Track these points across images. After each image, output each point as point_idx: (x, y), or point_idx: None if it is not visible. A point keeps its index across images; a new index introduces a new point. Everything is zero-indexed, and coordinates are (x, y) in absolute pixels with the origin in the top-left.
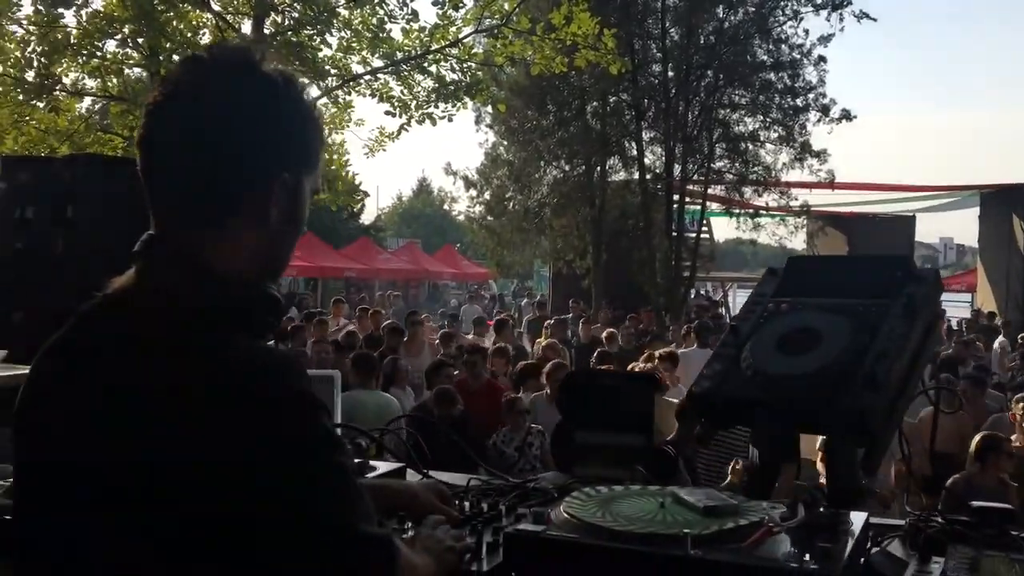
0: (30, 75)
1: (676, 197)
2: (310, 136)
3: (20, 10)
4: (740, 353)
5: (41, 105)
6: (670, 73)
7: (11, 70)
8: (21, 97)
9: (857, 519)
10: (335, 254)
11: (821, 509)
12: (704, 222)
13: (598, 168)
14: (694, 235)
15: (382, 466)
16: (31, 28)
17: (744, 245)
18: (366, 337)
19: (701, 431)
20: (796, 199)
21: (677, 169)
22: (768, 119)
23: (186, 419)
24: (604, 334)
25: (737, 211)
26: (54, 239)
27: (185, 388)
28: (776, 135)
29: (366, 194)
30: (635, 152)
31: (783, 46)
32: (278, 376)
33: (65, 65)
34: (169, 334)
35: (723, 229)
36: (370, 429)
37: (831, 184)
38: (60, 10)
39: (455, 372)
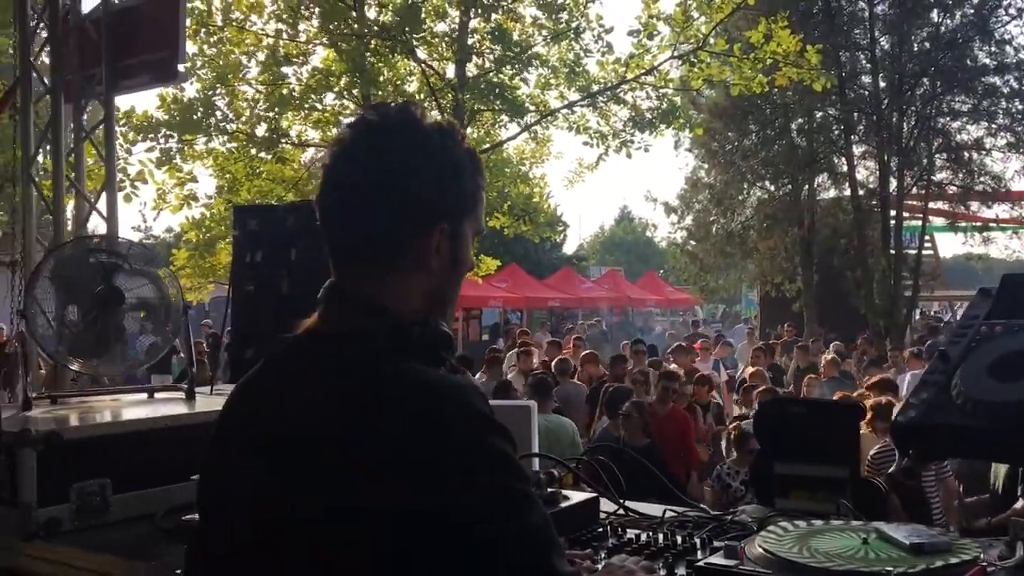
0: (260, 130)
1: (893, 213)
2: (468, 183)
3: (249, 71)
4: (950, 380)
5: (270, 157)
6: (881, 84)
7: (243, 127)
8: (253, 151)
9: None
10: (539, 284)
11: None
12: (926, 238)
13: (806, 187)
14: (914, 252)
15: (575, 496)
16: (260, 88)
17: (975, 261)
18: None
19: (910, 463)
20: None
21: (893, 184)
22: (994, 125)
23: (371, 456)
24: (827, 359)
25: (963, 225)
26: (279, 280)
27: (367, 423)
28: (1004, 142)
29: (567, 225)
30: (845, 168)
31: (1007, 47)
32: (462, 406)
33: (290, 119)
34: (351, 371)
35: (949, 245)
36: (566, 458)
37: None
38: (284, 69)
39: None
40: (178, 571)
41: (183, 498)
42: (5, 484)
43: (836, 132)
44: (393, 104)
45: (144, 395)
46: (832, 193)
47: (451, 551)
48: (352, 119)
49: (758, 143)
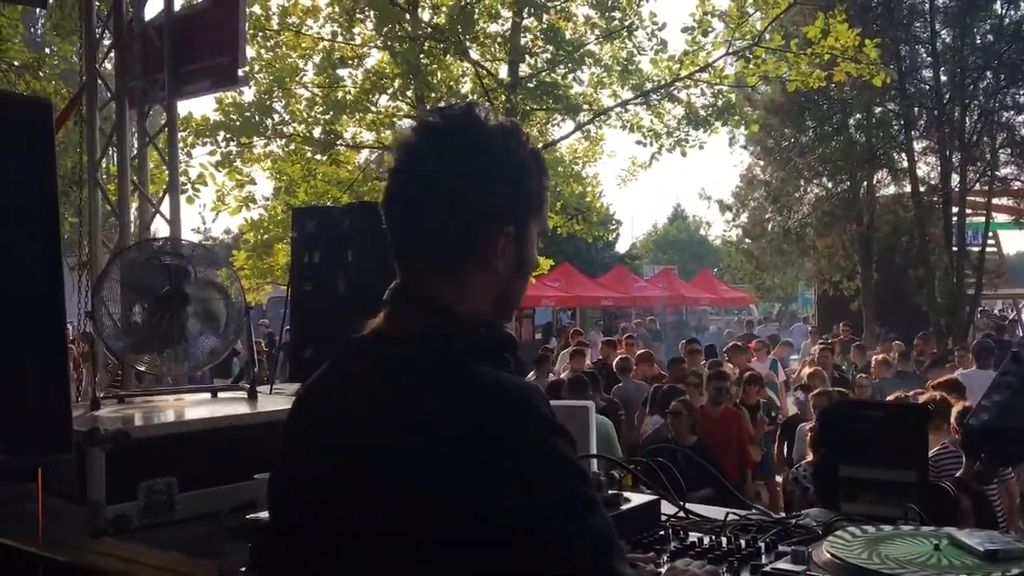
0: (316, 132)
1: (955, 209)
2: (532, 184)
3: (305, 75)
4: (1023, 383)
5: (325, 159)
6: (942, 77)
7: (300, 129)
8: (309, 153)
9: None
10: (591, 283)
11: None
12: (990, 234)
13: (864, 183)
14: (978, 249)
15: (636, 498)
16: (316, 91)
17: None
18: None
19: (981, 468)
20: None
21: (955, 179)
22: None
23: (432, 459)
24: (881, 358)
25: None
26: (336, 281)
27: (433, 424)
28: None
29: (620, 223)
30: (906, 164)
31: None
32: (527, 407)
33: (345, 121)
34: (415, 374)
35: (1013, 241)
36: (626, 460)
37: None
38: (339, 71)
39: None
40: (243, 569)
41: (247, 496)
42: (75, 482)
43: (896, 127)
44: (457, 106)
45: (207, 395)
46: (892, 190)
47: (512, 555)
48: (416, 121)
49: (815, 139)
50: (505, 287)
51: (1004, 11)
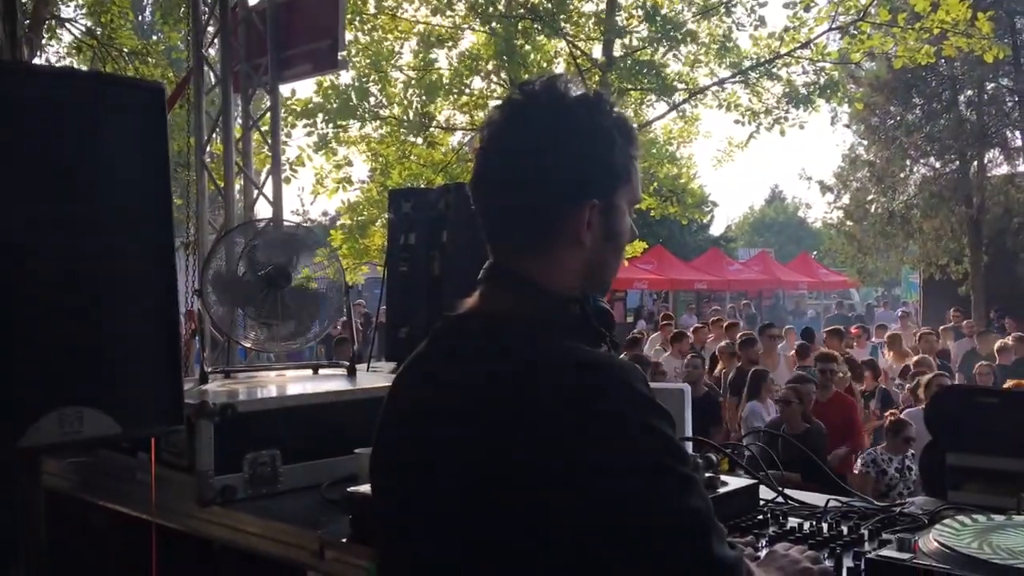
0: (411, 115)
1: None
2: (619, 154)
3: (401, 58)
4: None
5: (420, 141)
6: None
7: (396, 111)
8: (404, 135)
9: None
10: (685, 266)
11: None
12: None
13: (975, 163)
14: None
15: (733, 481)
16: (411, 73)
17: None
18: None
19: None
20: None
21: None
22: None
23: (527, 435)
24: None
25: None
26: (431, 262)
27: (523, 402)
28: None
29: (715, 205)
30: (1019, 143)
31: None
32: (623, 386)
33: (439, 103)
34: (508, 350)
35: None
36: (723, 443)
37: None
38: (433, 54)
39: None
40: (343, 540)
41: (347, 470)
42: (184, 453)
43: (1010, 104)
44: (539, 80)
45: (309, 371)
46: (1004, 170)
47: (612, 531)
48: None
49: (922, 117)
50: (595, 260)
51: None
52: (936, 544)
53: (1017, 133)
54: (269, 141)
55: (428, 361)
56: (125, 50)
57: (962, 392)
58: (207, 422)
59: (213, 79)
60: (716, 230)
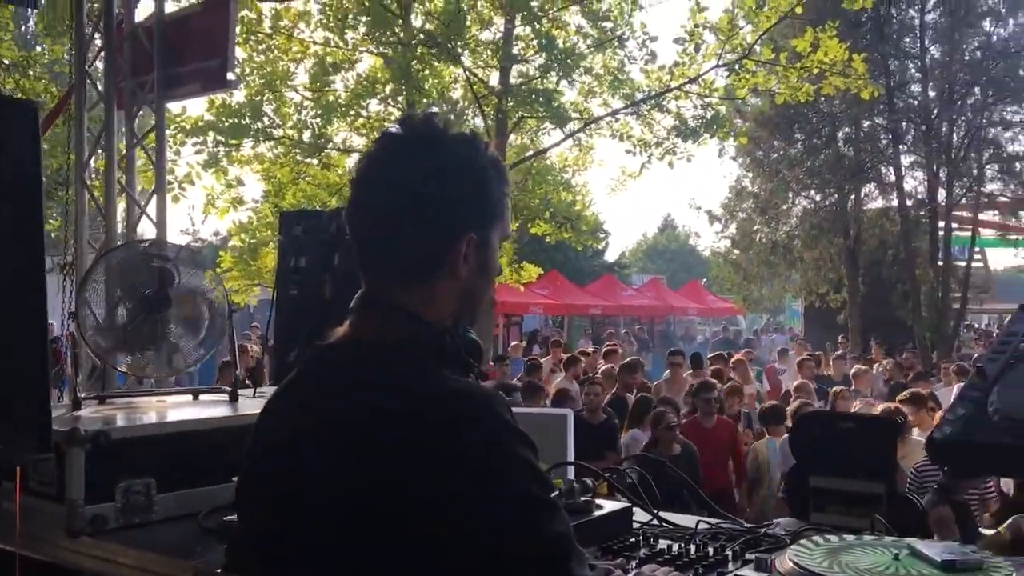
0: (306, 136)
1: (942, 224)
2: (492, 191)
3: (296, 78)
4: (987, 397)
5: (315, 162)
6: (931, 93)
7: (290, 132)
8: (299, 156)
9: None
10: (580, 292)
11: None
12: (976, 250)
13: (852, 196)
14: (964, 264)
15: (608, 505)
16: (307, 94)
17: None
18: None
19: (945, 480)
20: None
21: (942, 194)
22: None
23: (396, 463)
24: (853, 372)
25: (1014, 237)
26: (322, 285)
27: (393, 431)
28: None
29: (609, 233)
30: (893, 178)
31: None
32: (486, 414)
33: (335, 125)
34: (379, 379)
35: (1001, 257)
36: (603, 468)
37: None
38: (330, 76)
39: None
40: (219, 570)
41: (226, 498)
42: (54, 481)
43: (884, 141)
44: (417, 116)
45: (189, 396)
46: (879, 203)
47: (473, 558)
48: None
49: (804, 152)
50: (468, 293)
51: (992, 28)
52: (791, 564)
53: (891, 169)
54: (154, 160)
55: (300, 390)
56: (6, 62)
57: (823, 417)
58: (78, 450)
59: (97, 95)
60: (611, 256)
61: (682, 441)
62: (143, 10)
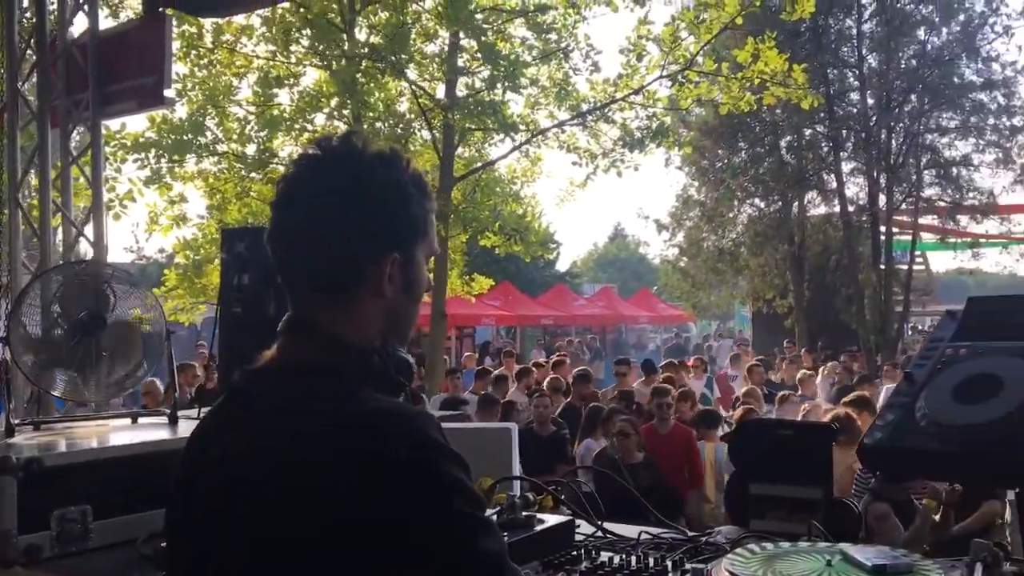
0: (251, 150)
1: (883, 229)
2: (416, 209)
3: (240, 92)
4: (915, 402)
5: (260, 178)
6: (869, 101)
7: (234, 146)
8: (243, 172)
9: None
10: (532, 302)
11: (1006, 568)
12: (917, 253)
13: (795, 203)
14: (905, 268)
15: (549, 519)
16: (250, 108)
17: (966, 275)
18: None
19: (876, 484)
20: (1021, 224)
21: (882, 200)
22: (982, 141)
23: (323, 487)
24: (799, 377)
25: (953, 240)
26: (266, 303)
27: (319, 455)
28: (992, 158)
29: (560, 243)
30: (835, 185)
31: (994, 64)
32: (415, 432)
33: (281, 139)
34: (304, 402)
35: (941, 260)
36: (546, 480)
37: None
38: (275, 90)
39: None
40: None
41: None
42: None
43: (825, 149)
44: (335, 136)
45: (128, 420)
46: (822, 210)
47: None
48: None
49: (747, 161)
50: (395, 311)
51: (927, 37)
52: (727, 573)
53: (832, 176)
54: (91, 179)
55: (230, 413)
56: None
57: (763, 424)
58: (10, 478)
59: (30, 113)
60: (562, 266)
61: (644, 448)
62: (78, 26)
